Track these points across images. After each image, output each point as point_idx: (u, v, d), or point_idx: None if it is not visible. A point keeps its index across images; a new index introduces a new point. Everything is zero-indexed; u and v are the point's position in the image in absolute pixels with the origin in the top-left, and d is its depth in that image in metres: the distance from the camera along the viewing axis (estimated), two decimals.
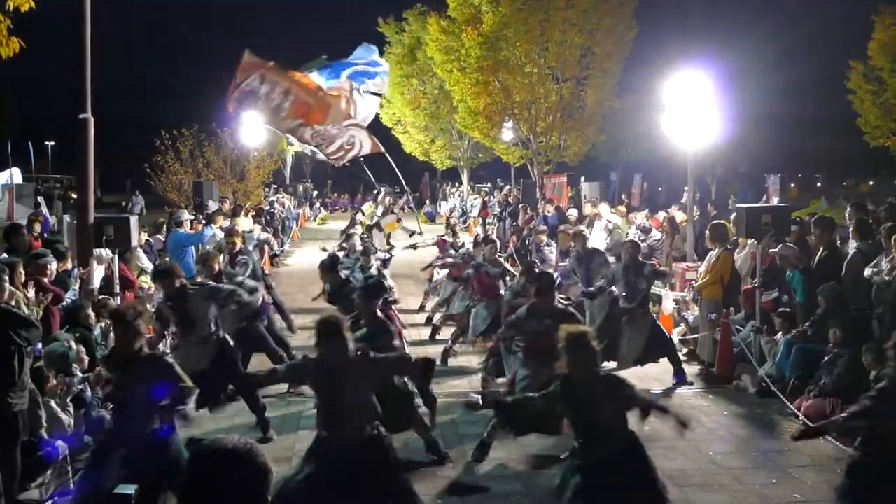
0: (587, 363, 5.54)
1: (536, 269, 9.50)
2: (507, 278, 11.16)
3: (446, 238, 14.85)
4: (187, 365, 7.72)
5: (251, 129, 22.66)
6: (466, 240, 16.24)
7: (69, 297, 9.40)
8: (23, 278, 8.04)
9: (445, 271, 13.40)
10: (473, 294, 11.32)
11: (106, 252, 10.67)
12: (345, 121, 14.61)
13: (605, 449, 5.35)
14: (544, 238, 14.95)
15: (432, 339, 12.47)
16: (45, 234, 14.47)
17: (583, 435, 5.49)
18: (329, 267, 9.93)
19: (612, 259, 12.04)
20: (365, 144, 14.73)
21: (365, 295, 7.67)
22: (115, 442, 5.77)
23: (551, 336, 6.13)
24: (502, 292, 10.85)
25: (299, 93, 14.25)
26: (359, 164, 16.13)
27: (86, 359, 8.09)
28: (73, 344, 7.88)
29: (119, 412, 6.01)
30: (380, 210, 20.37)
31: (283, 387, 9.79)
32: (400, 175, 19.14)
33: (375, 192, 26.43)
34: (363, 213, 21.89)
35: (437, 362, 10.79)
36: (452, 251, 13.62)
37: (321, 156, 15.00)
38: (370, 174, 17.94)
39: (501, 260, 11.55)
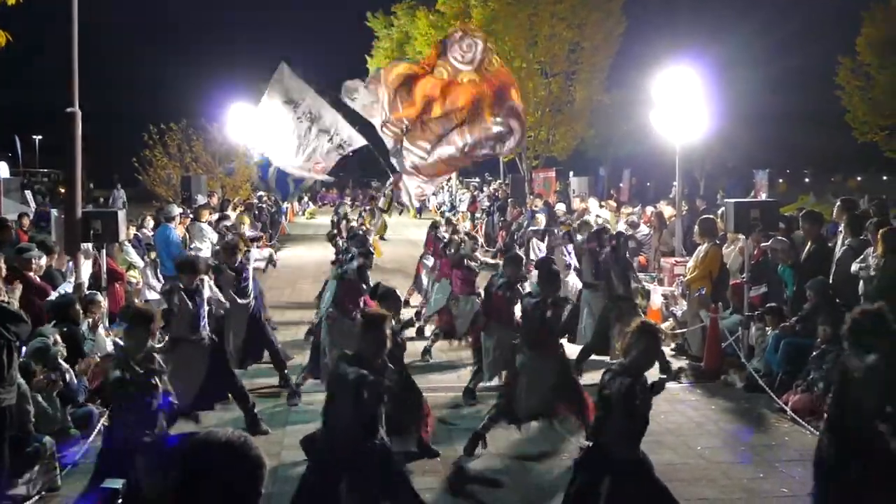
0: (657, 357, 5.52)
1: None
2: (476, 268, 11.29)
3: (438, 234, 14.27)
4: (184, 366, 7.73)
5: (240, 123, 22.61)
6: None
7: (62, 290, 9.35)
8: (4, 273, 8.00)
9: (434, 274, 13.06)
10: (453, 289, 11.29)
11: (90, 247, 10.59)
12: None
13: (638, 447, 5.32)
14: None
15: (419, 336, 12.36)
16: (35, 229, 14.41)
17: (631, 432, 5.31)
18: None
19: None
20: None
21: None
22: (128, 449, 5.71)
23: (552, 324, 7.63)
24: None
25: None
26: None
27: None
28: (57, 338, 7.83)
29: (128, 417, 5.87)
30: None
31: (275, 381, 9.80)
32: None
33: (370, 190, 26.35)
34: (349, 208, 21.98)
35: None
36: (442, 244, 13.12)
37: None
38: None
39: (480, 256, 11.57)
